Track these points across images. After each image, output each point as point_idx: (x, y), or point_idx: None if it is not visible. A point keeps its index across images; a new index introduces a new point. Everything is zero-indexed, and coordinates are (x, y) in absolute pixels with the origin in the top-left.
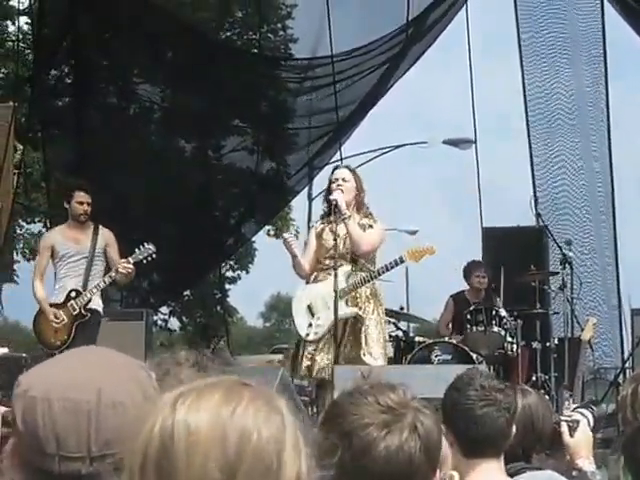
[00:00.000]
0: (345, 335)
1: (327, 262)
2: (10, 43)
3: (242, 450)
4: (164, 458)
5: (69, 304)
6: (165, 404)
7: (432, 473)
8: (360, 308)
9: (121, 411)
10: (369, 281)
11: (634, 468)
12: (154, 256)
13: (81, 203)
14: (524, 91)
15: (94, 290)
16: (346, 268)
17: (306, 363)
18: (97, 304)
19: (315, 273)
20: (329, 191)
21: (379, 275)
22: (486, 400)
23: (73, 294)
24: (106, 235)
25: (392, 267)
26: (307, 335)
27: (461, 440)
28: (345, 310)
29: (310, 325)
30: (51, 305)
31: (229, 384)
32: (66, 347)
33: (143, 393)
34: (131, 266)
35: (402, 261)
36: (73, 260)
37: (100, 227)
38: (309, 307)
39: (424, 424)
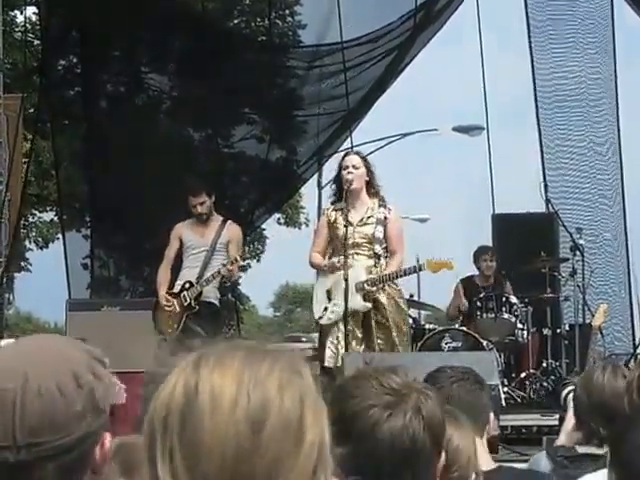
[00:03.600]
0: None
1: (345, 252)
2: (18, 33)
3: (266, 408)
4: (187, 413)
5: (182, 295)
6: (186, 365)
7: (437, 454)
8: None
9: (48, 398)
10: (384, 283)
11: (618, 465)
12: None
13: (194, 207)
14: (534, 77)
15: (204, 284)
16: (368, 262)
17: (330, 352)
18: (213, 297)
19: (336, 259)
20: (339, 177)
21: (395, 278)
22: None
23: (187, 285)
24: (231, 230)
25: (409, 273)
26: (320, 318)
27: None
28: (360, 303)
29: (325, 309)
30: (168, 294)
31: (251, 347)
32: (176, 335)
33: (76, 380)
34: (233, 268)
35: (420, 269)
36: (195, 252)
37: (229, 222)
38: (328, 292)
39: (427, 405)
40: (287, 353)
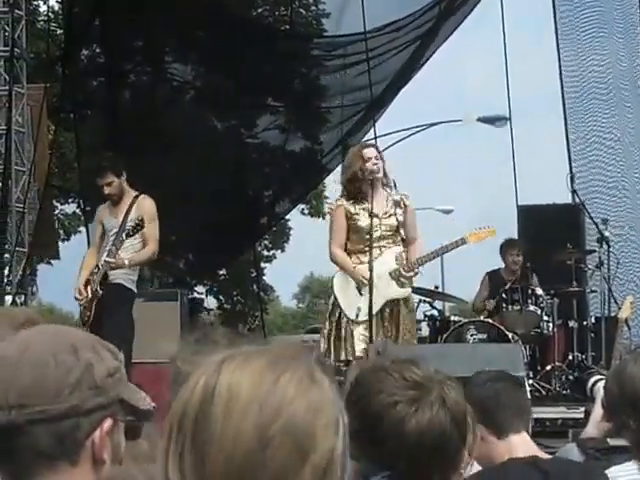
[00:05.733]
0: (385, 318)
1: (368, 243)
2: (41, 23)
3: (278, 417)
4: (202, 414)
5: (92, 280)
6: (210, 364)
7: (462, 444)
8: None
9: (42, 364)
10: (428, 261)
11: None
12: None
13: (102, 188)
14: (560, 67)
15: (105, 266)
16: (397, 249)
17: (361, 345)
18: (123, 278)
19: (358, 255)
20: (354, 170)
21: (438, 256)
22: None
23: (95, 270)
24: (142, 205)
25: (452, 248)
26: (357, 316)
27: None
28: (398, 290)
29: (359, 307)
30: (87, 281)
31: (276, 352)
32: (90, 324)
33: (74, 353)
34: (112, 260)
35: (464, 243)
36: (112, 234)
37: (141, 197)
38: (357, 288)
39: (451, 396)
40: (311, 362)
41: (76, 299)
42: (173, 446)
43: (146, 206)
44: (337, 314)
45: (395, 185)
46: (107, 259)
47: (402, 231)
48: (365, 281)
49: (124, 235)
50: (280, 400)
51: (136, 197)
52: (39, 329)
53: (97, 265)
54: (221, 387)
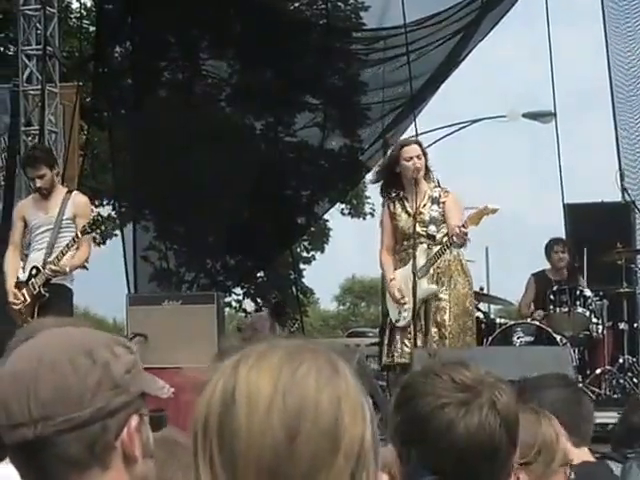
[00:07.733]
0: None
1: (405, 243)
2: (74, 20)
3: (302, 409)
4: (226, 417)
5: (30, 283)
6: (227, 366)
7: (513, 449)
8: (442, 283)
9: (60, 372)
10: (442, 254)
11: None
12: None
13: (33, 180)
14: (608, 60)
15: (48, 272)
16: (424, 246)
17: (405, 350)
18: (62, 278)
19: (398, 256)
20: (393, 166)
21: (450, 245)
22: None
23: (34, 272)
24: (77, 203)
25: (458, 238)
26: (397, 321)
27: None
28: (426, 289)
29: (400, 311)
30: (17, 283)
31: (291, 346)
32: None
33: (90, 355)
34: (57, 269)
35: (465, 227)
36: (40, 232)
37: (74, 194)
38: (399, 291)
39: (501, 399)
40: (328, 351)
41: (12, 304)
42: (201, 451)
43: (82, 204)
44: (387, 318)
45: (438, 182)
46: (53, 268)
47: (431, 227)
48: (395, 297)
49: (79, 233)
50: (302, 391)
51: (68, 192)
52: (48, 335)
53: (35, 267)
54: (240, 386)
